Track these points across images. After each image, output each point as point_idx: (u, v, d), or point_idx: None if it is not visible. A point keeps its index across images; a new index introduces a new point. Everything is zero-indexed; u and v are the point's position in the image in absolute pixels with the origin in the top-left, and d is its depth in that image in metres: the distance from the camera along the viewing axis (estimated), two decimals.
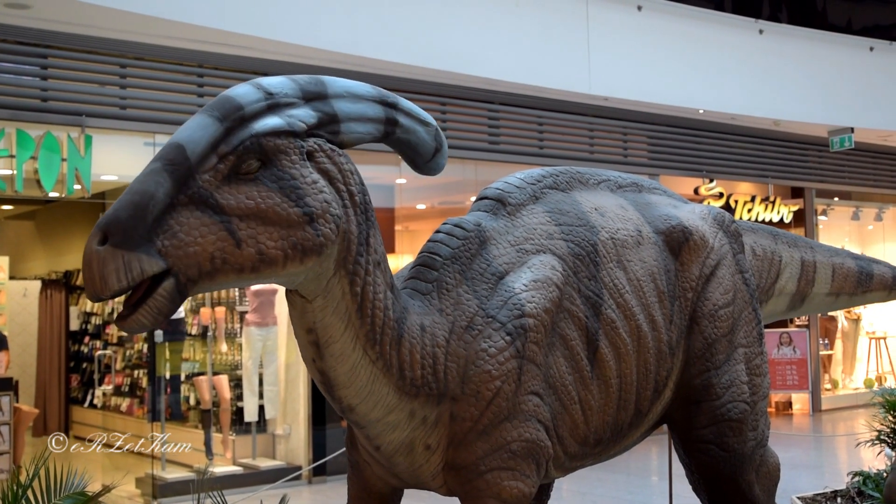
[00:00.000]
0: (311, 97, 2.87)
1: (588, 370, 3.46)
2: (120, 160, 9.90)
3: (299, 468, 10.05)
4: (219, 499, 4.34)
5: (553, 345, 3.35)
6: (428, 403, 3.13)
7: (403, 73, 10.53)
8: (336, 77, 3.02)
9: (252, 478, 9.72)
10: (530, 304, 3.26)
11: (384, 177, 11.96)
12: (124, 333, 13.04)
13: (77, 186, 9.19)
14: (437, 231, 3.42)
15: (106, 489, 3.69)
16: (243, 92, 2.72)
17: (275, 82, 2.82)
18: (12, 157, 8.83)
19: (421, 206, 13.61)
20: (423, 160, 3.21)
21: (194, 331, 10.89)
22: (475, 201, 3.67)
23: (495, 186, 3.67)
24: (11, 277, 14.30)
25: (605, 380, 3.52)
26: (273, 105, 2.74)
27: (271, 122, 2.70)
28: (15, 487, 3.27)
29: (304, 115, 2.80)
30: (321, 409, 10.29)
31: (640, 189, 4.18)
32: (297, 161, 2.73)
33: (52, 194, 9.40)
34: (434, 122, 3.20)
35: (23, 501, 3.25)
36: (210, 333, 10.44)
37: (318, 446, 10.16)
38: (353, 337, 2.91)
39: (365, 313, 2.92)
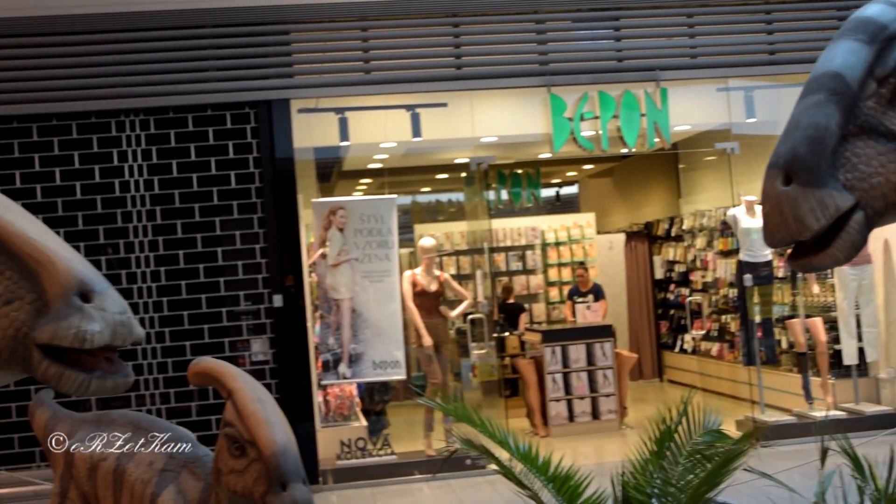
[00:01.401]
0: None
1: None
2: (693, 109, 10.03)
3: None
4: (844, 443, 4.15)
5: None
6: None
7: None
8: None
9: (856, 423, 9.29)
10: None
11: None
12: (709, 279, 13.24)
13: (656, 139, 9.50)
14: None
15: (753, 431, 3.75)
16: (879, 11, 2.53)
17: None
18: (596, 118, 9.38)
19: None
20: None
21: (780, 273, 10.70)
22: None
23: None
24: (598, 232, 15.23)
25: None
26: None
27: None
28: (664, 425, 3.48)
29: None
30: None
31: None
32: None
33: (633, 149, 9.83)
34: None
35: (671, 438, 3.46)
36: (800, 276, 10.17)
37: None
38: None
39: None
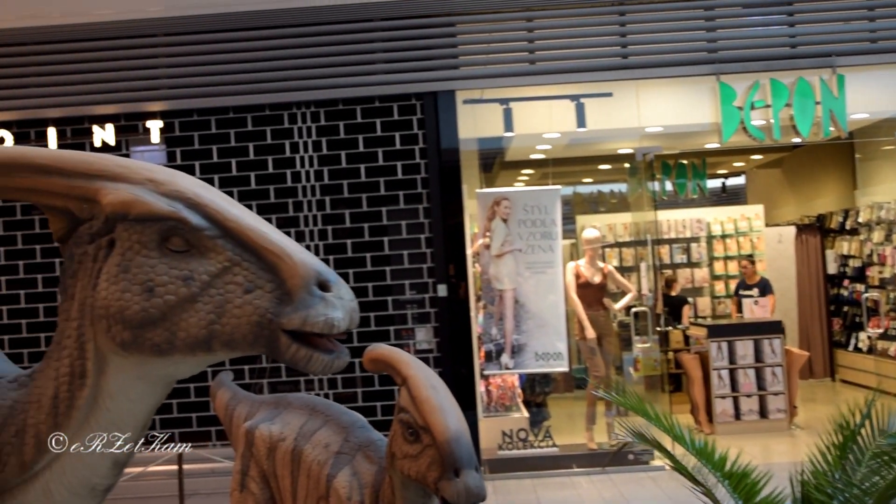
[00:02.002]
0: None
1: None
2: (872, 97, 9.57)
3: None
4: None
5: None
6: None
7: None
8: None
9: None
10: None
11: None
12: (886, 275, 12.63)
13: (832, 128, 9.12)
14: None
15: None
16: None
17: None
18: (768, 106, 9.08)
19: None
20: None
21: None
22: None
23: None
24: (766, 225, 14.74)
25: None
26: None
27: None
28: (847, 429, 3.34)
29: None
30: None
31: None
32: None
33: (807, 139, 9.45)
34: None
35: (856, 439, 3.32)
36: None
37: None
38: None
39: None
